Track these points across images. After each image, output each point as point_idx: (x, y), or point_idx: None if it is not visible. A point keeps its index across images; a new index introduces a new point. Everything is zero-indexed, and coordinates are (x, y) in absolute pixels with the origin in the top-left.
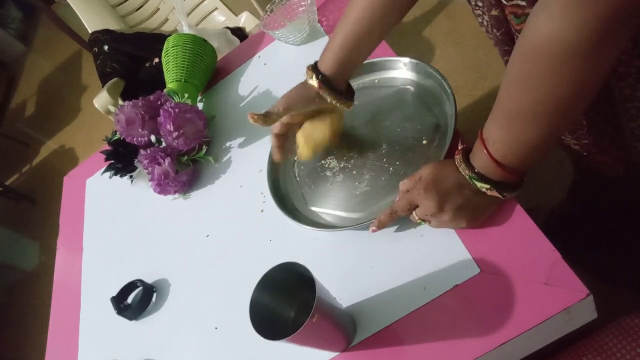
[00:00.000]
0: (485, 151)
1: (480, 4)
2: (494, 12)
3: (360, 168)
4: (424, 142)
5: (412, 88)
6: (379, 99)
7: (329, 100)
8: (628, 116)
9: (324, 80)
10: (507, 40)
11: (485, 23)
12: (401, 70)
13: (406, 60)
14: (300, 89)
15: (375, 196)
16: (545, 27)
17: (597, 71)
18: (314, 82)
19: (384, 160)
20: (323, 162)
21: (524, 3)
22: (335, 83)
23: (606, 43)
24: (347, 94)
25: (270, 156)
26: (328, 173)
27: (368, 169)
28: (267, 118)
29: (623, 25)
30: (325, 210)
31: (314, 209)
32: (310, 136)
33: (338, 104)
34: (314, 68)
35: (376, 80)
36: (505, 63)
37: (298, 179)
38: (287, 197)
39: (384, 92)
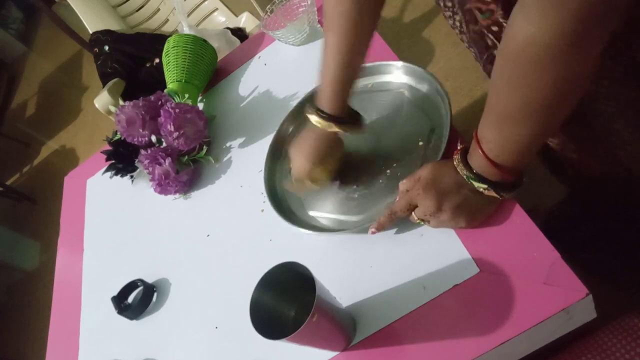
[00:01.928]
0: (480, 151)
1: (449, 4)
2: (468, 6)
3: (357, 171)
4: (420, 143)
5: (406, 91)
6: (373, 103)
7: (349, 133)
8: (594, 114)
9: (342, 121)
10: (483, 35)
11: (458, 23)
12: (395, 74)
13: (399, 64)
14: (318, 141)
15: (373, 199)
16: (523, 31)
17: (579, 70)
18: (334, 129)
19: (381, 163)
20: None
21: None
22: (343, 113)
23: (585, 42)
24: (356, 117)
25: (268, 162)
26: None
27: (365, 172)
28: (302, 183)
29: (599, 23)
30: (324, 214)
31: (312, 213)
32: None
33: (353, 132)
34: (328, 116)
35: (370, 85)
36: (483, 60)
37: None
38: (285, 202)
39: (379, 96)
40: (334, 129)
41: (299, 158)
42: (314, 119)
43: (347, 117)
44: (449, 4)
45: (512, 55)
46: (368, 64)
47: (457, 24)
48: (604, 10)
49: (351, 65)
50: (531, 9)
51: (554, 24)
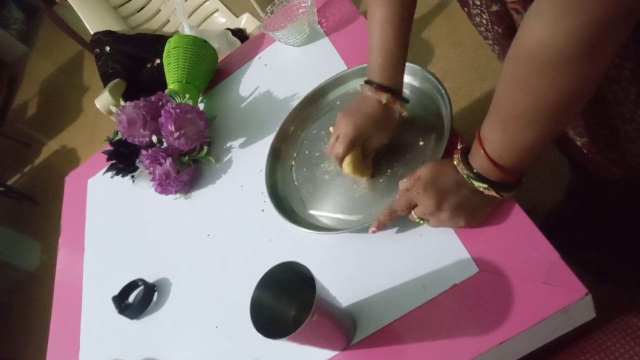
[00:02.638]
0: (482, 151)
1: (477, 2)
2: (494, 8)
3: None
4: (421, 143)
5: (407, 91)
6: None
7: (400, 111)
8: (622, 119)
9: (392, 92)
10: (511, 35)
11: (485, 22)
12: None
13: None
14: (374, 113)
15: (373, 198)
16: (538, 33)
17: (591, 74)
18: (383, 98)
19: (382, 162)
20: (321, 165)
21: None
22: (398, 90)
23: (599, 48)
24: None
25: (269, 160)
26: (326, 176)
27: None
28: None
29: (615, 29)
30: (325, 213)
31: (313, 212)
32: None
33: (402, 110)
34: (377, 85)
35: None
36: None
37: (296, 183)
38: (286, 201)
39: None
40: (383, 98)
41: (345, 120)
42: (365, 88)
43: (398, 92)
44: (478, 3)
45: (524, 57)
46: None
47: (484, 21)
48: (619, 17)
49: (399, 33)
50: (547, 13)
51: (569, 29)
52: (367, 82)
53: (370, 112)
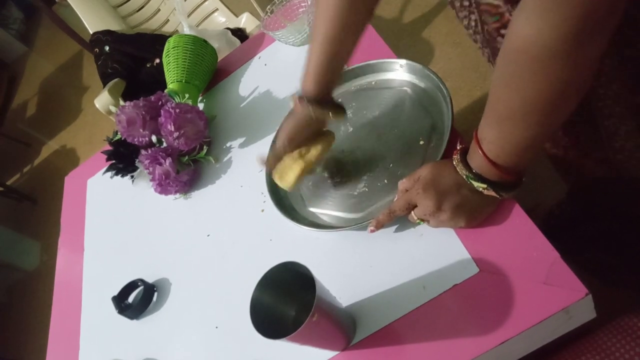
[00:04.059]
0: (480, 151)
1: (466, 3)
2: (483, 7)
3: (357, 169)
4: (421, 142)
5: (409, 89)
6: (376, 100)
7: (323, 117)
8: (602, 115)
9: (312, 101)
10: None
11: (473, 23)
12: (398, 72)
13: (403, 62)
14: (294, 118)
15: (373, 197)
16: (523, 30)
17: (579, 70)
18: (305, 107)
19: (382, 161)
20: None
21: (497, 2)
22: (324, 99)
23: (584, 43)
24: (337, 106)
25: (269, 159)
26: (326, 174)
27: (366, 170)
28: (277, 159)
29: (599, 24)
30: (324, 211)
31: (312, 209)
32: (286, 173)
33: (333, 118)
34: (300, 96)
35: (373, 82)
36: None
37: None
38: (286, 199)
39: (381, 94)
40: (311, 112)
41: (281, 133)
42: (293, 102)
43: (327, 103)
44: (466, 4)
45: (512, 55)
46: (371, 61)
47: (473, 23)
48: (602, 13)
49: (336, 56)
50: (531, 10)
51: (553, 26)
52: (299, 95)
53: (302, 124)
